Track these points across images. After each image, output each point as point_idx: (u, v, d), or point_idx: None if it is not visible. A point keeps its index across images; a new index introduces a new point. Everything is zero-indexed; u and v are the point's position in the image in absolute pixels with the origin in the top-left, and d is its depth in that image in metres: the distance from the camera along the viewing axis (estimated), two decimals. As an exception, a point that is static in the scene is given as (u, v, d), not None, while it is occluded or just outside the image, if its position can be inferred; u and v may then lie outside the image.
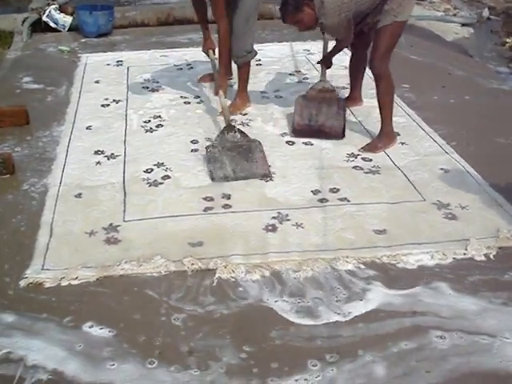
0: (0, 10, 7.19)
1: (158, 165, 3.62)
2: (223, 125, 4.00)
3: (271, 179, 3.46)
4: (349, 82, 4.45)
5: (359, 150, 3.76)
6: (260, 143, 3.67)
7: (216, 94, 4.24)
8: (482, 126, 4.15)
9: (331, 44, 4.05)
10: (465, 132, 4.06)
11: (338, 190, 3.33)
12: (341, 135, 3.91)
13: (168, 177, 3.49)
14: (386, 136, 3.81)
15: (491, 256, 2.82)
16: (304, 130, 3.96)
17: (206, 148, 3.66)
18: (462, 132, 4.05)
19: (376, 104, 3.85)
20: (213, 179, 3.44)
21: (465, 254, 2.84)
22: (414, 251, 2.84)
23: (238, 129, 3.78)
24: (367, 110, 4.33)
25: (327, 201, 3.23)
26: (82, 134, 4.04)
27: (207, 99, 4.58)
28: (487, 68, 5.66)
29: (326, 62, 4.14)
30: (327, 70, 4.17)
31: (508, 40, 6.62)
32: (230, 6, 4.03)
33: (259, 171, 3.50)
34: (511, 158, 3.73)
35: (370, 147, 3.78)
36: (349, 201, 3.22)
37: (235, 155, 3.59)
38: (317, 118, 3.97)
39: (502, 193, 3.32)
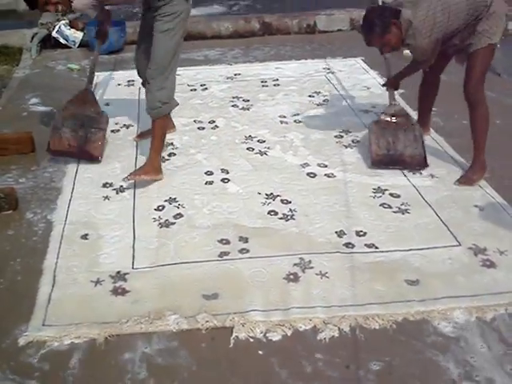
0: (10, 25, 7.04)
1: (170, 200, 3.39)
2: (241, 154, 3.77)
3: (292, 218, 3.21)
4: (374, 104, 4.23)
5: (454, 184, 3.52)
6: (106, 119, 3.88)
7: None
8: (507, 148, 3.89)
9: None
10: (498, 162, 3.78)
11: (364, 233, 3.07)
12: (424, 164, 3.67)
13: (180, 215, 3.25)
14: (480, 167, 3.58)
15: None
16: (383, 160, 3.69)
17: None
18: (495, 162, 3.77)
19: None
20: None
21: (506, 309, 2.57)
22: (449, 306, 2.58)
23: (92, 97, 4.00)
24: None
25: (353, 246, 2.97)
26: (90, 165, 3.82)
27: (223, 125, 4.34)
28: (514, 85, 5.38)
29: (393, 83, 3.92)
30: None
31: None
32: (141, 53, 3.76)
33: (93, 152, 3.80)
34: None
35: (466, 180, 3.53)
36: (377, 247, 2.96)
37: (75, 127, 3.82)
38: (395, 147, 3.70)
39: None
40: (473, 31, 3.35)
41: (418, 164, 3.66)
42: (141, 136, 4.15)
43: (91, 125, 3.80)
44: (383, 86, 4.08)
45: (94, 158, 3.77)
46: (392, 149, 3.67)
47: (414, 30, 3.29)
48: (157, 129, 3.62)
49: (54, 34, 6.26)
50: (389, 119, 3.78)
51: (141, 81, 3.93)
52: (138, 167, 3.71)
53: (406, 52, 5.77)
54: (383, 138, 3.70)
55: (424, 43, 3.32)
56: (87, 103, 3.87)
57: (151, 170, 3.59)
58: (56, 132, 3.79)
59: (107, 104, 4.74)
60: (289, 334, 2.46)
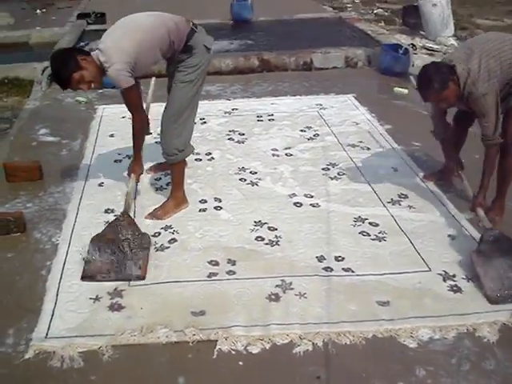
0: (22, 57, 7.40)
1: (166, 228, 3.66)
2: (233, 184, 4.05)
3: (277, 244, 3.48)
4: (361, 139, 4.42)
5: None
6: (148, 239, 3.43)
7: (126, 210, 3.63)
8: (494, 189, 4.13)
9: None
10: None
11: (343, 258, 3.33)
12: None
13: (174, 240, 3.53)
14: (500, 208, 3.75)
15: (493, 334, 2.79)
16: (503, 295, 3.05)
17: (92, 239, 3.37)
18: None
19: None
20: (83, 277, 3.20)
21: (467, 329, 2.82)
22: (415, 325, 2.83)
23: (132, 220, 3.52)
24: (375, 170, 4.36)
25: (332, 270, 3.24)
26: (94, 192, 4.11)
27: (218, 157, 4.63)
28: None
29: (482, 203, 3.59)
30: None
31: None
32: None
33: (134, 272, 3.20)
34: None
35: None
36: (353, 271, 3.22)
37: (116, 251, 3.30)
38: (507, 275, 3.13)
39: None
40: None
41: None
42: (152, 170, 4.41)
43: (132, 246, 3.33)
44: (471, 210, 3.66)
45: (137, 279, 3.18)
46: (505, 278, 3.11)
47: (473, 78, 3.35)
48: (176, 174, 3.84)
49: (63, 68, 6.57)
50: (490, 246, 3.27)
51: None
52: (138, 195, 3.99)
53: (397, 89, 6.12)
54: (492, 269, 3.16)
55: (485, 87, 3.35)
56: (125, 227, 3.43)
57: (173, 205, 3.83)
58: (91, 259, 3.28)
59: (111, 135, 5.04)
60: (267, 348, 2.71)
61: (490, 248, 3.25)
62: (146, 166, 4.28)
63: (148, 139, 4.53)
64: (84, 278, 3.19)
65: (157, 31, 3.47)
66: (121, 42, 3.38)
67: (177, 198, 3.87)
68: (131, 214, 3.68)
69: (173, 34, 3.49)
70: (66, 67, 3.31)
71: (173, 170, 3.85)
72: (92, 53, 3.41)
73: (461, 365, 2.62)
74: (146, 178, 4.25)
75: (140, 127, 3.70)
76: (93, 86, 3.45)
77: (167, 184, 4.16)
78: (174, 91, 3.64)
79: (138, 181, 3.89)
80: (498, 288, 3.06)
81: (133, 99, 3.56)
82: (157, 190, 4.14)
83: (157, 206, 3.86)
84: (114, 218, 3.56)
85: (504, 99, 3.51)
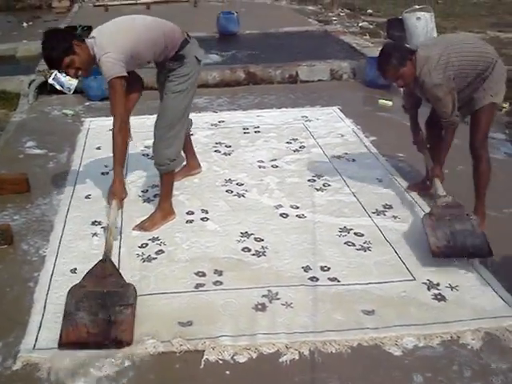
0: (8, 70, 7.41)
1: (153, 239, 3.68)
2: (220, 196, 4.08)
3: (263, 254, 3.51)
4: (346, 150, 4.46)
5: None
6: (134, 292, 2.98)
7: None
8: (473, 199, 4.19)
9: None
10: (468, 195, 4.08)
11: (328, 268, 3.37)
12: (488, 253, 3.39)
13: (162, 251, 3.55)
14: (482, 218, 3.76)
15: (477, 341, 2.84)
16: (445, 251, 3.39)
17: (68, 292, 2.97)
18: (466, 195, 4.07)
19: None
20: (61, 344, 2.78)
21: (451, 337, 2.86)
22: (400, 333, 2.87)
23: (114, 268, 3.12)
24: (360, 181, 4.41)
25: (317, 279, 3.27)
26: (81, 204, 4.13)
27: (205, 169, 4.66)
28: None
29: (438, 173, 3.84)
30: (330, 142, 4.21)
31: (504, 105, 6.68)
32: None
33: (119, 337, 2.79)
34: (503, 234, 3.76)
35: None
36: (339, 281, 3.26)
37: (95, 309, 2.88)
38: (454, 238, 3.42)
39: (494, 271, 3.35)
40: (477, 88, 3.59)
41: (483, 253, 3.41)
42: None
43: (115, 302, 2.91)
44: (428, 180, 4.03)
45: (123, 345, 2.78)
46: (452, 240, 3.41)
47: (429, 65, 3.51)
48: (165, 184, 3.85)
49: (50, 80, 6.59)
50: (441, 211, 3.57)
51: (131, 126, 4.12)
52: (125, 207, 4.00)
53: (382, 101, 6.20)
54: (439, 229, 3.46)
55: (438, 79, 3.50)
56: (107, 276, 3.04)
57: (161, 217, 3.85)
58: (69, 319, 2.85)
59: (98, 148, 5.07)
60: (254, 357, 2.74)
61: (441, 212, 3.56)
62: (133, 180, 4.31)
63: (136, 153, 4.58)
64: (62, 345, 2.77)
65: (153, 32, 3.53)
66: (117, 37, 3.39)
67: (164, 208, 3.89)
68: (119, 224, 3.74)
69: (168, 38, 3.55)
70: (59, 48, 3.29)
71: (162, 180, 3.86)
72: (87, 40, 3.40)
73: (446, 371, 2.66)
74: (133, 188, 4.27)
75: (122, 138, 3.49)
76: (79, 73, 3.43)
77: (154, 196, 4.19)
78: (166, 101, 3.67)
79: (120, 207, 3.58)
80: (443, 245, 3.39)
81: (119, 93, 3.38)
82: (144, 201, 4.16)
83: (144, 218, 3.88)
84: (95, 264, 3.10)
85: (467, 103, 3.66)
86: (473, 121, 3.73)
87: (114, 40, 3.37)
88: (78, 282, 3.02)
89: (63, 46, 3.30)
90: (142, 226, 3.81)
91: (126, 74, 3.36)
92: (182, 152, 4.02)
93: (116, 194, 3.46)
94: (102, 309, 2.88)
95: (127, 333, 2.81)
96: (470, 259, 3.42)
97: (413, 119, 4.09)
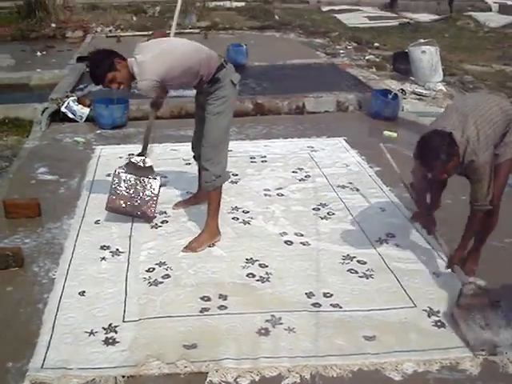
0: (22, 98, 7.59)
1: (160, 264, 3.76)
2: (226, 223, 4.17)
3: (268, 280, 3.59)
4: (351, 180, 4.45)
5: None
6: (159, 183, 4.26)
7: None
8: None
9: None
10: (459, 234, 4.15)
11: (331, 295, 3.45)
12: None
13: (168, 276, 3.63)
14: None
15: (476, 367, 2.90)
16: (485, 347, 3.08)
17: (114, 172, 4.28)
18: (457, 234, 4.12)
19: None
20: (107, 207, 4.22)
21: (450, 363, 2.92)
22: (400, 358, 2.94)
23: (148, 162, 4.29)
24: (364, 210, 4.50)
25: (320, 306, 3.35)
26: (90, 229, 4.23)
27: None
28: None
29: (457, 259, 3.56)
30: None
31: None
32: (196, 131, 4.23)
33: (147, 213, 4.19)
34: (503, 263, 3.83)
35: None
36: (341, 307, 3.34)
37: (131, 189, 4.20)
38: (490, 328, 3.16)
39: (494, 299, 3.39)
40: (499, 142, 3.41)
41: None
42: (178, 205, 4.57)
43: (145, 187, 4.22)
44: (448, 267, 3.61)
45: (147, 218, 4.22)
46: (487, 330, 3.17)
47: (473, 145, 3.22)
48: (212, 201, 4.02)
49: (62, 108, 6.73)
50: (470, 301, 3.30)
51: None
52: (133, 231, 4.12)
53: (387, 133, 6.30)
54: (473, 321, 3.20)
55: (485, 156, 3.24)
56: (142, 167, 4.28)
57: (208, 237, 4.01)
58: (113, 192, 4.22)
59: (108, 175, 5.15)
60: (257, 380, 2.81)
61: (470, 302, 3.29)
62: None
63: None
64: (106, 207, 4.24)
65: (189, 59, 3.77)
66: (155, 61, 3.66)
67: (211, 227, 4.04)
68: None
69: (203, 66, 3.78)
70: (103, 66, 3.70)
71: (210, 197, 4.03)
72: (128, 59, 3.74)
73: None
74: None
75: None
76: (122, 87, 3.80)
77: (162, 222, 4.31)
78: (208, 123, 3.89)
79: (155, 116, 4.37)
80: (481, 338, 3.09)
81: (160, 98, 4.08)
82: (152, 227, 4.25)
83: (151, 243, 4.00)
84: (131, 157, 4.41)
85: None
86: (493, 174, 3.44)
87: (152, 65, 3.65)
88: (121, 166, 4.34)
89: (106, 64, 3.70)
90: (189, 247, 3.95)
91: (160, 91, 3.78)
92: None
93: (155, 105, 4.22)
94: (136, 191, 4.22)
95: (151, 210, 4.21)
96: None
97: (421, 195, 3.88)
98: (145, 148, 4.37)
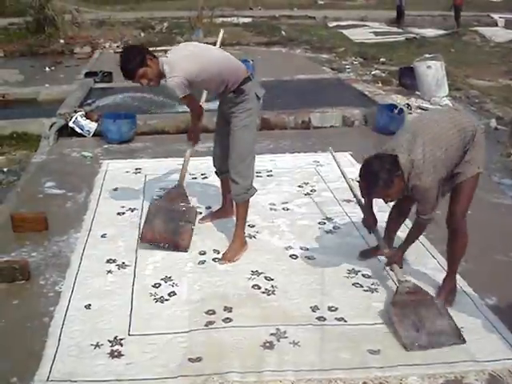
0: (30, 113, 7.66)
1: (166, 279, 3.77)
2: (231, 235, 4.20)
3: (273, 293, 3.60)
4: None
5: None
6: (195, 213, 4.25)
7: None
8: (481, 242, 4.26)
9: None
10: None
11: (336, 308, 3.46)
12: (460, 337, 3.22)
13: (174, 293, 3.62)
14: (453, 289, 3.62)
15: (480, 382, 2.90)
16: (417, 343, 3.17)
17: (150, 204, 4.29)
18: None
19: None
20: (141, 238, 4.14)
21: (455, 377, 2.92)
22: (404, 372, 2.94)
23: (184, 193, 4.30)
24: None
25: (325, 319, 3.36)
26: (97, 242, 4.25)
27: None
28: (491, 181, 5.80)
29: (398, 260, 3.68)
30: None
31: (512, 152, 6.77)
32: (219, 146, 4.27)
33: (181, 243, 4.10)
34: (509, 276, 3.83)
35: (447, 304, 3.49)
36: (346, 321, 3.35)
37: (167, 220, 4.16)
38: (423, 325, 3.26)
39: (499, 313, 3.42)
40: (459, 163, 3.33)
41: (454, 338, 3.22)
42: (204, 219, 4.61)
43: (181, 218, 4.19)
44: (387, 265, 3.66)
45: (181, 250, 4.10)
46: (421, 327, 3.25)
47: (417, 169, 3.16)
48: (241, 213, 4.12)
49: (70, 123, 6.79)
50: (405, 298, 3.41)
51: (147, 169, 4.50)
52: (139, 245, 4.15)
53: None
54: (407, 319, 3.30)
55: (429, 181, 3.18)
56: (178, 198, 4.28)
57: (240, 246, 4.11)
58: (148, 223, 4.16)
59: (115, 189, 5.21)
60: (261, 393, 2.82)
61: (405, 299, 3.38)
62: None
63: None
64: (142, 239, 4.14)
65: (219, 64, 3.86)
66: (185, 61, 3.73)
67: (240, 237, 4.13)
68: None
69: (231, 74, 3.85)
70: (135, 61, 3.72)
71: (239, 209, 4.12)
72: (159, 58, 3.79)
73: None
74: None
75: (199, 113, 4.17)
76: (151, 83, 3.82)
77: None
78: (235, 137, 3.94)
79: (194, 149, 4.40)
80: (413, 336, 3.20)
81: (190, 105, 4.03)
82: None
83: (157, 257, 4.04)
84: (171, 187, 4.45)
85: (449, 180, 3.39)
86: (455, 193, 3.44)
87: (182, 64, 3.71)
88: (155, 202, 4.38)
89: (137, 59, 3.72)
90: (225, 258, 4.01)
91: (188, 92, 3.75)
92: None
93: (193, 138, 4.29)
94: (172, 221, 4.18)
95: (185, 241, 4.14)
96: (442, 347, 3.17)
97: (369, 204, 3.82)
98: (181, 179, 4.39)
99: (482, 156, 3.40)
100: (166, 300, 3.56)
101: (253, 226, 4.51)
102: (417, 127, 3.36)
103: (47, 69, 11.50)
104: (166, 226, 4.15)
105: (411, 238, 3.56)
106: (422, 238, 4.25)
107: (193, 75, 3.71)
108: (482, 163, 3.40)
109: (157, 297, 3.59)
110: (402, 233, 4.33)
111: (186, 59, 3.75)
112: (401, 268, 3.71)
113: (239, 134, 3.92)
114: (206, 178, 5.49)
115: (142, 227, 4.21)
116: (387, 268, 3.73)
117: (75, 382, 2.87)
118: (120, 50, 3.91)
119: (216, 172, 4.46)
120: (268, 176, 5.55)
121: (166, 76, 3.71)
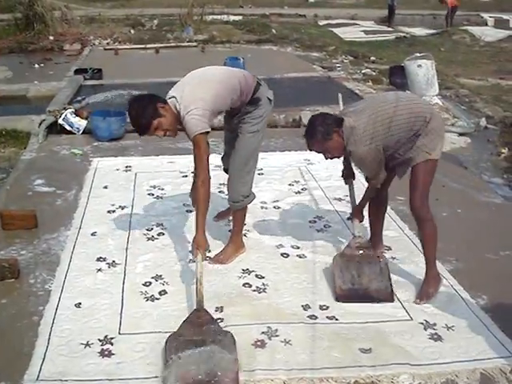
0: (19, 110, 7.62)
1: (156, 277, 3.75)
2: (223, 235, 4.17)
3: (264, 291, 3.60)
4: (347, 193, 4.49)
5: (415, 302, 3.50)
6: (232, 339, 2.97)
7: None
8: (472, 241, 4.30)
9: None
10: (455, 247, 4.18)
11: (327, 307, 3.45)
12: (390, 298, 3.51)
13: (165, 292, 3.60)
14: (433, 279, 3.62)
15: (472, 381, 2.90)
16: (348, 294, 3.53)
17: (166, 342, 2.97)
18: (452, 247, 4.17)
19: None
20: None
21: (447, 377, 2.92)
22: (396, 371, 2.94)
23: (210, 317, 3.12)
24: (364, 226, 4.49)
25: (316, 318, 3.35)
26: (87, 240, 4.23)
27: (210, 209, 4.74)
28: (481, 180, 5.83)
29: (357, 214, 3.89)
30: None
31: (503, 150, 6.81)
32: (227, 144, 4.08)
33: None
34: (500, 275, 3.84)
35: (424, 295, 3.55)
36: (337, 319, 3.34)
37: (196, 359, 2.84)
38: (360, 280, 3.56)
39: (490, 312, 3.43)
40: (412, 146, 3.45)
41: (384, 298, 3.51)
42: (219, 216, 4.54)
43: (214, 354, 2.86)
44: (348, 219, 4.06)
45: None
46: (357, 283, 3.55)
47: (356, 136, 3.36)
48: (238, 219, 4.03)
49: (60, 121, 6.75)
50: (353, 252, 3.69)
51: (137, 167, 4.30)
52: (130, 244, 4.12)
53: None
54: (347, 271, 3.59)
55: (363, 151, 3.38)
56: (203, 325, 3.04)
57: (234, 250, 4.02)
58: (169, 365, 2.82)
59: (105, 187, 5.19)
60: (253, 392, 2.81)
61: (353, 253, 3.67)
62: (138, 218, 4.40)
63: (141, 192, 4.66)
64: None
65: (230, 81, 3.65)
66: (198, 91, 3.49)
67: (236, 242, 4.05)
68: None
69: (243, 85, 3.67)
70: (147, 113, 3.38)
71: (235, 215, 4.04)
72: (168, 100, 3.50)
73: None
74: (137, 226, 4.40)
75: (205, 190, 3.48)
76: (168, 133, 3.51)
77: (158, 234, 4.31)
78: (241, 141, 3.80)
79: (204, 258, 3.52)
80: (347, 287, 3.54)
81: (203, 148, 3.46)
82: (148, 239, 4.25)
83: (148, 255, 4.01)
84: (190, 313, 3.17)
85: (403, 162, 3.54)
86: (410, 179, 3.55)
87: (198, 96, 3.46)
88: (174, 331, 3.04)
89: (149, 111, 3.38)
90: (217, 260, 3.95)
91: (209, 129, 3.45)
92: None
93: (200, 245, 3.39)
94: (204, 363, 2.81)
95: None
96: (373, 303, 3.47)
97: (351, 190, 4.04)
98: (200, 301, 3.19)
99: (437, 144, 3.48)
100: (157, 299, 3.54)
101: (244, 225, 4.48)
102: (372, 101, 3.63)
103: (36, 65, 11.44)
104: (198, 369, 2.81)
105: (366, 196, 3.82)
106: (412, 235, 4.29)
107: (210, 102, 3.47)
108: (435, 151, 3.48)
109: (147, 295, 3.57)
110: (393, 231, 4.39)
111: (197, 89, 3.50)
112: (361, 222, 3.90)
113: (246, 139, 3.79)
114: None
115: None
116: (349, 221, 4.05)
117: (65, 381, 2.85)
118: (127, 103, 3.50)
119: (225, 169, 4.27)
120: (259, 174, 5.50)
121: (182, 116, 3.42)
